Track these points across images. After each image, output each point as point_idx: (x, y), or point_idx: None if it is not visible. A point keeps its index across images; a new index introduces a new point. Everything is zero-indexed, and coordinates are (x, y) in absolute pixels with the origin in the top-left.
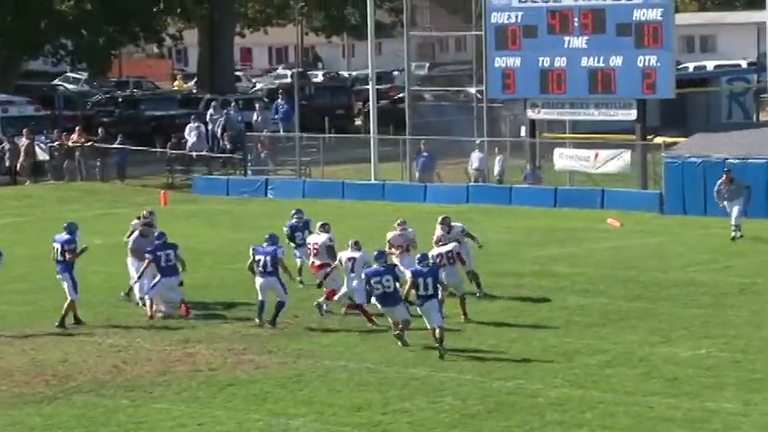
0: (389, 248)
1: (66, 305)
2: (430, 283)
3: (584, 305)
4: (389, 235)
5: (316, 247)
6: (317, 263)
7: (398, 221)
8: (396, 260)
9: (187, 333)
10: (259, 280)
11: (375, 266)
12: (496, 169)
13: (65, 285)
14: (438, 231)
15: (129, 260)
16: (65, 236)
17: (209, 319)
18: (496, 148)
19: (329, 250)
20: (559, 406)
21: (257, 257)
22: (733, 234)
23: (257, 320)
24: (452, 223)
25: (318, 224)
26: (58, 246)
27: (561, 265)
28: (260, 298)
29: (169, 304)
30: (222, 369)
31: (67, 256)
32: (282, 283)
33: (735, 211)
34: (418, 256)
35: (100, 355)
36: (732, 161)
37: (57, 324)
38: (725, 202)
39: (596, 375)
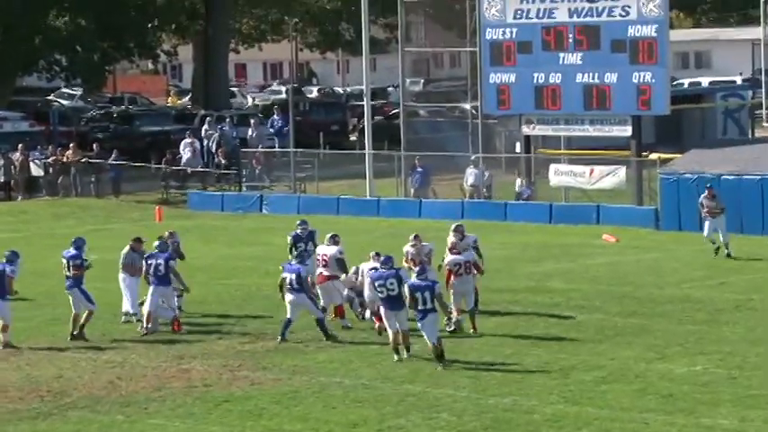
0: (405, 262)
1: (84, 316)
2: (428, 298)
3: (579, 321)
4: (406, 249)
5: (325, 258)
6: (326, 273)
7: (412, 236)
8: (413, 275)
9: (182, 349)
10: (289, 297)
11: (379, 270)
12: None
13: (72, 299)
14: (451, 238)
15: (120, 276)
16: (71, 251)
17: (204, 334)
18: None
19: (339, 263)
20: (555, 422)
21: (285, 275)
22: (719, 248)
23: (279, 338)
24: (466, 233)
25: (328, 235)
26: (65, 261)
27: (557, 281)
28: (288, 316)
29: (161, 318)
30: (217, 385)
31: (73, 271)
32: (312, 298)
33: (722, 228)
34: (382, 258)
35: (95, 371)
36: (727, 177)
37: (71, 336)
38: (707, 219)
39: (592, 392)
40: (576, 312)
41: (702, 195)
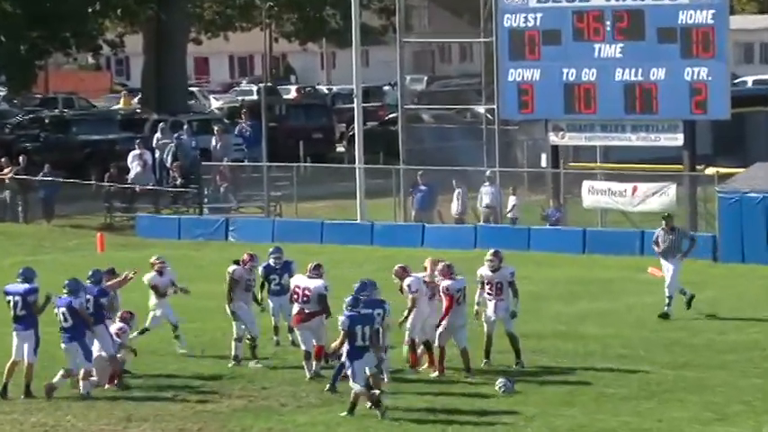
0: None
1: (25, 369)
2: (367, 332)
3: (620, 374)
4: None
5: (306, 293)
6: (307, 311)
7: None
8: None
9: (129, 409)
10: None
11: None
12: (509, 211)
13: (24, 345)
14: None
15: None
16: (22, 285)
17: (157, 390)
18: (511, 188)
19: (321, 300)
20: None
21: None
22: (666, 309)
23: (308, 374)
24: (501, 264)
25: (310, 265)
26: (17, 298)
27: (591, 325)
28: (303, 348)
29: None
30: None
31: (29, 309)
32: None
33: (670, 273)
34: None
35: None
36: None
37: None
38: (661, 259)
39: None
40: (615, 363)
41: (657, 231)
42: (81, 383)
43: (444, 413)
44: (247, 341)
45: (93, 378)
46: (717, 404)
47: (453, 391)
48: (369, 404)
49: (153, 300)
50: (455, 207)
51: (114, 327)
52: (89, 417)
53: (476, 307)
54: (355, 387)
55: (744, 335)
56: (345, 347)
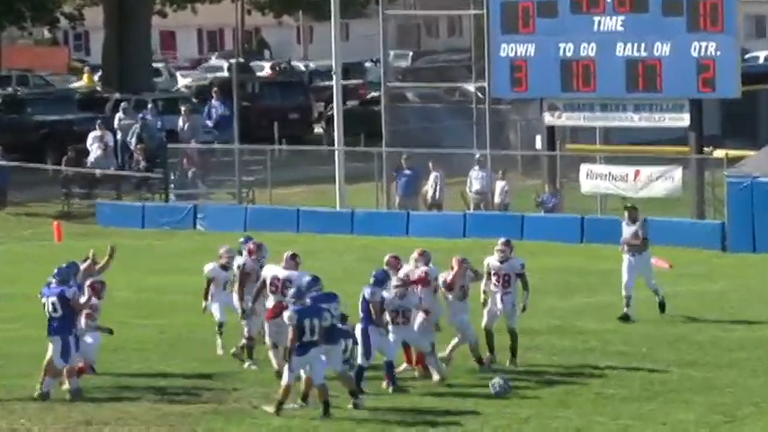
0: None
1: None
2: (316, 326)
3: (620, 373)
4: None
5: (288, 285)
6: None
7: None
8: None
9: (89, 411)
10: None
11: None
12: (498, 196)
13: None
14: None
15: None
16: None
17: (120, 391)
18: (500, 171)
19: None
20: None
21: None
22: (625, 311)
23: (275, 366)
24: (511, 255)
25: (287, 255)
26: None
27: (589, 320)
28: (270, 341)
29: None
30: None
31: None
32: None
33: (646, 269)
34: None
35: None
36: None
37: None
38: (625, 256)
39: None
40: (615, 361)
41: (623, 222)
42: (45, 379)
43: (431, 414)
44: (244, 340)
45: (60, 378)
46: (725, 405)
47: (441, 391)
48: (299, 400)
49: (212, 290)
50: (430, 192)
51: (87, 301)
52: (45, 420)
53: (482, 295)
54: (283, 380)
55: (754, 331)
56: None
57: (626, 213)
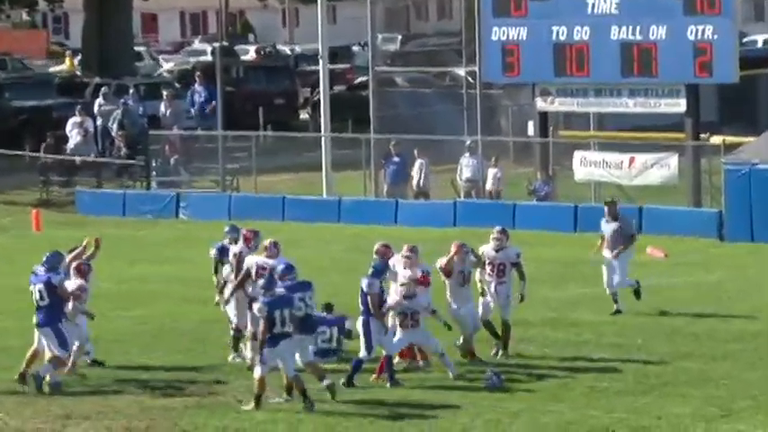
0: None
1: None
2: (287, 316)
3: (614, 365)
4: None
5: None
6: None
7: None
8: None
9: (68, 405)
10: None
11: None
12: (490, 183)
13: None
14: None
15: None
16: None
17: (100, 385)
18: (493, 158)
19: None
20: None
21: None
22: (616, 307)
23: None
24: (507, 243)
25: (268, 242)
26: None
27: (584, 311)
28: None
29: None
30: None
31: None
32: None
33: (617, 273)
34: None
35: None
36: None
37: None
38: (604, 252)
39: None
40: (609, 353)
41: (603, 219)
42: (50, 371)
43: (419, 408)
44: (231, 330)
45: (67, 367)
46: (721, 399)
47: (431, 384)
48: (284, 394)
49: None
50: (416, 180)
51: (71, 284)
52: (24, 414)
53: (479, 284)
54: (255, 372)
55: (751, 322)
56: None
57: (605, 209)
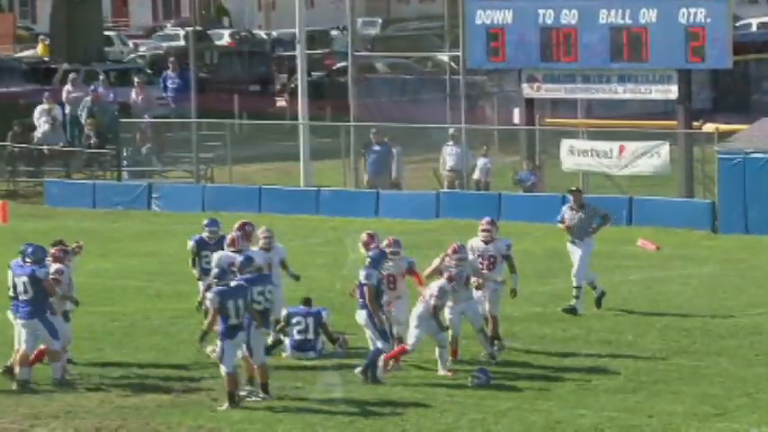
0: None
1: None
2: (241, 307)
3: (604, 363)
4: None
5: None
6: None
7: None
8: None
9: (37, 404)
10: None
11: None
12: (478, 173)
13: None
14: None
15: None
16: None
17: (70, 383)
18: (484, 147)
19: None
20: None
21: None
22: (573, 303)
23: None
24: (496, 235)
25: (236, 234)
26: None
27: None
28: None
29: None
30: None
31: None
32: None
33: (576, 262)
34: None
35: None
36: None
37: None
38: (569, 244)
39: None
40: (599, 350)
41: (564, 208)
42: (53, 366)
43: (401, 406)
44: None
45: (66, 355)
46: (716, 397)
47: (414, 382)
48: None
49: None
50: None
51: (52, 269)
52: None
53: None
54: (222, 370)
55: (746, 317)
56: (219, 326)
57: (571, 197)
